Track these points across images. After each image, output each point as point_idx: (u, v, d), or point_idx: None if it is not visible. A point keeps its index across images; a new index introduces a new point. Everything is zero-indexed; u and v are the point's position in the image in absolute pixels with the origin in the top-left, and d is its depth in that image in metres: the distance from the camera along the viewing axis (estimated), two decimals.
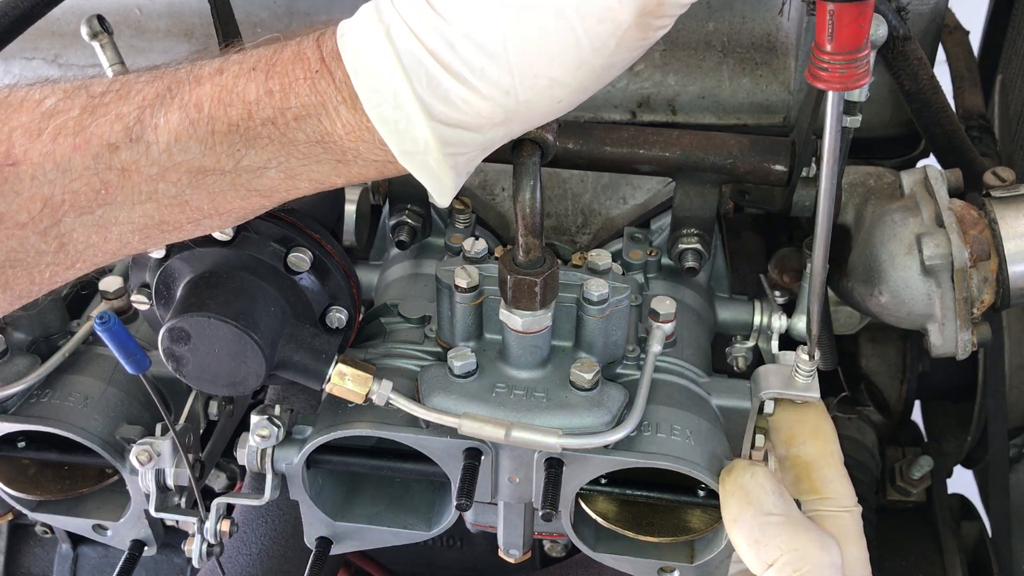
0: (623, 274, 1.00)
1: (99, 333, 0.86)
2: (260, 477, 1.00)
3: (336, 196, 1.18)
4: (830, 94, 0.76)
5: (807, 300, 1.14)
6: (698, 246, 1.13)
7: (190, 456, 1.03)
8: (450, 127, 0.73)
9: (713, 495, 0.95)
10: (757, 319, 1.19)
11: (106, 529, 1.13)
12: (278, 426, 0.98)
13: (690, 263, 1.13)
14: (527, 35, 0.70)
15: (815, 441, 0.98)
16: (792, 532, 0.88)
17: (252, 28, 1.43)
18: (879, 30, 0.95)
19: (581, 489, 0.98)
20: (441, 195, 0.78)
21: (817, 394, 0.98)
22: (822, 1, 0.69)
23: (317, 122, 0.74)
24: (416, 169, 0.75)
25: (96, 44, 1.01)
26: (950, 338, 1.14)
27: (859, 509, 0.96)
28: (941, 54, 1.49)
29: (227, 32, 1.13)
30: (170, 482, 1.04)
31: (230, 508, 1.09)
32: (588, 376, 0.93)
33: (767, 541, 0.88)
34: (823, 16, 0.70)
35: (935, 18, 1.27)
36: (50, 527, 1.54)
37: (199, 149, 0.74)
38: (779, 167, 1.10)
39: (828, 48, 0.71)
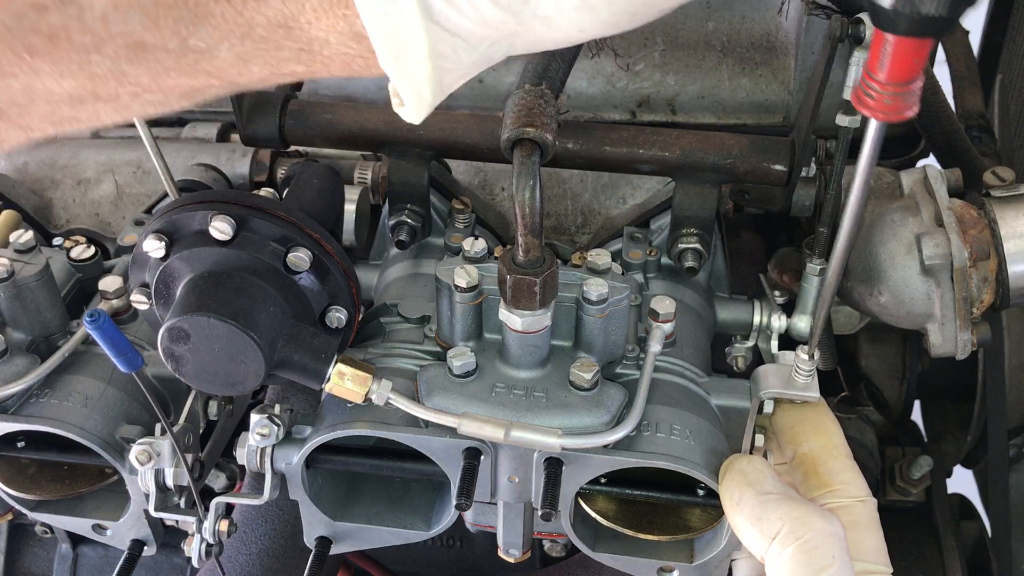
0: (623, 274, 1.00)
1: (90, 331, 0.86)
2: (260, 477, 1.00)
3: (336, 196, 1.18)
4: (872, 122, 0.75)
5: (808, 300, 1.14)
6: (698, 246, 1.14)
7: (189, 456, 1.03)
8: (448, 33, 0.63)
9: (713, 494, 0.95)
10: (757, 319, 1.19)
11: (106, 529, 1.13)
12: (278, 425, 0.98)
13: (690, 263, 1.13)
14: None
15: (818, 437, 0.98)
16: (791, 504, 0.88)
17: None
18: None
19: (581, 488, 0.98)
20: (418, 109, 0.68)
21: (817, 394, 0.98)
22: (880, 31, 0.67)
23: (281, 4, 0.63)
24: (397, 75, 0.65)
25: None
26: (950, 338, 1.14)
27: (873, 500, 0.95)
28: (941, 54, 1.50)
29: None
30: (169, 482, 1.04)
31: (229, 508, 1.09)
32: (587, 376, 0.93)
33: (768, 515, 0.87)
34: (878, 44, 0.68)
35: None
36: (50, 527, 1.54)
37: (140, 21, 0.64)
38: (779, 167, 1.10)
39: (880, 77, 0.69)
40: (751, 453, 0.98)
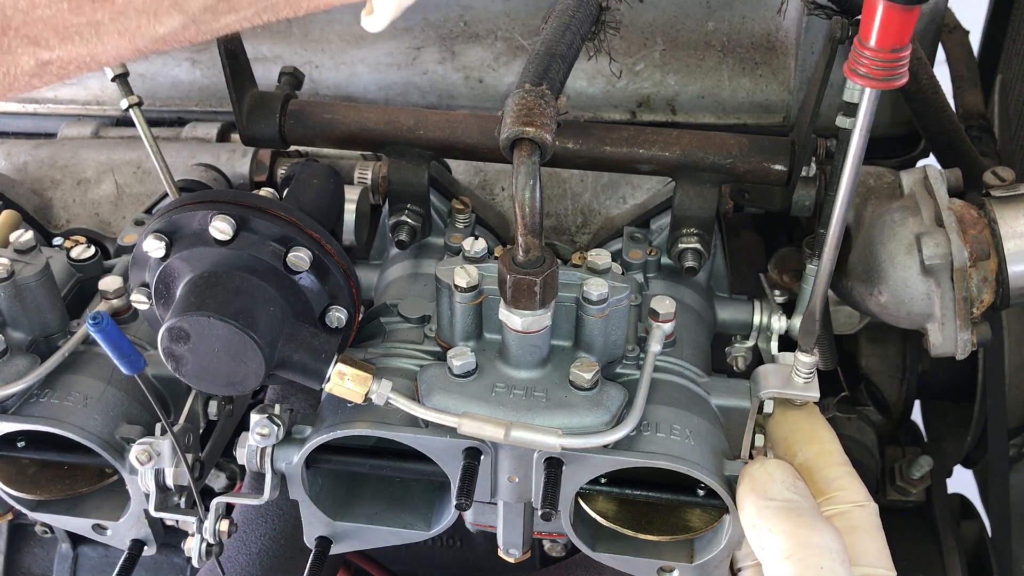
0: (623, 274, 1.00)
1: (92, 333, 0.86)
2: (260, 477, 1.00)
3: (336, 196, 1.18)
4: (866, 91, 0.76)
5: (807, 300, 1.14)
6: (698, 246, 1.14)
7: (189, 456, 1.03)
8: None
9: (713, 494, 0.95)
10: (757, 319, 1.19)
11: (106, 529, 1.13)
12: (278, 425, 0.98)
13: (690, 263, 1.13)
14: None
15: (811, 446, 0.99)
16: (784, 515, 0.89)
17: (252, 29, 1.43)
18: None
19: (581, 488, 0.98)
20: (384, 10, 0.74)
21: (816, 394, 0.98)
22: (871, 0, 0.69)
23: None
24: None
25: None
26: (950, 338, 1.14)
27: (873, 505, 0.96)
28: (941, 54, 1.49)
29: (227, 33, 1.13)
30: (169, 482, 1.04)
31: (229, 508, 1.09)
32: (588, 376, 0.93)
33: (761, 524, 0.89)
34: (870, 13, 0.70)
35: (935, 18, 1.27)
36: (50, 527, 1.54)
37: None
38: (779, 167, 1.10)
39: (871, 44, 0.71)
40: (751, 453, 0.98)
